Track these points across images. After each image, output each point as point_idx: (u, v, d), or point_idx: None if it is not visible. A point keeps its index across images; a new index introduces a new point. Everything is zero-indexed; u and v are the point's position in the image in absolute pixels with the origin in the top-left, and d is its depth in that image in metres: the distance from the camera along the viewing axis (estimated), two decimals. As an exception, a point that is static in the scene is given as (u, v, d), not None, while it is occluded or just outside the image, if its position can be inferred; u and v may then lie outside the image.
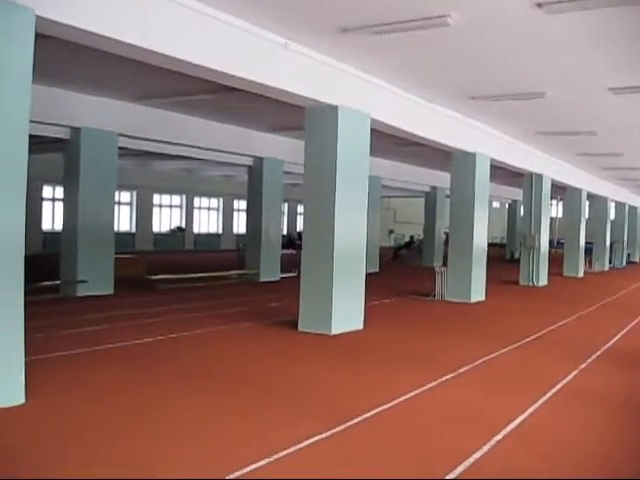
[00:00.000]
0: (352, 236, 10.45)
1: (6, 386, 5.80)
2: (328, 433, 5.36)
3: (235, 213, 38.82)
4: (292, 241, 31.94)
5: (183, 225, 36.34)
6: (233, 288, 16.87)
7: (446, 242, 19.56)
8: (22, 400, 5.86)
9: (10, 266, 5.81)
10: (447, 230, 19.36)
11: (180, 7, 7.23)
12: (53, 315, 10.99)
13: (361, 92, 10.46)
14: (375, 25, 7.92)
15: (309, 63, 9.28)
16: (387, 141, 14.82)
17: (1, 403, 5.68)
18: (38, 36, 6.08)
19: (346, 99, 10.12)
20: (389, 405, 6.27)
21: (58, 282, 13.67)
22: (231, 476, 4.40)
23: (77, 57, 9.63)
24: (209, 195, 37.33)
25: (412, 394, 6.70)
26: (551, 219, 22.69)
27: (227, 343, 9.42)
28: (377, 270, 22.84)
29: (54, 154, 16.92)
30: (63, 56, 9.61)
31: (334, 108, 9.99)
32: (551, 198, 21.76)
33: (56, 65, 10.37)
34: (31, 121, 6.10)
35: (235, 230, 38.17)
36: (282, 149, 18.27)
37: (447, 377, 7.48)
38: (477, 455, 4.93)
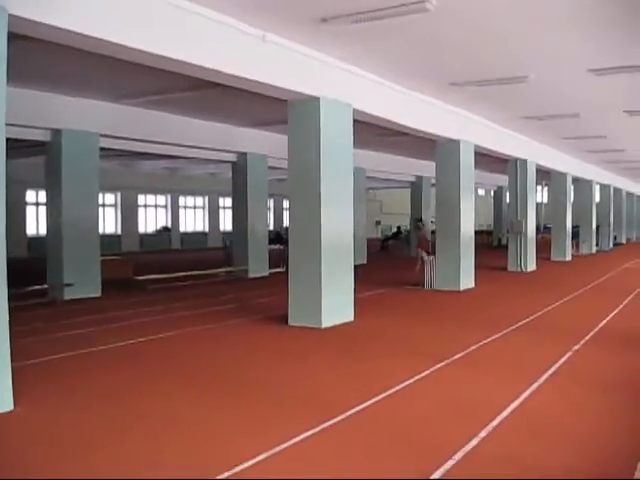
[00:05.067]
0: (339, 228, 10.38)
1: (-7, 393, 5.71)
2: (323, 426, 5.31)
3: (221, 211, 38.69)
4: (280, 236, 31.81)
5: (169, 225, 36.19)
6: (222, 286, 16.77)
7: (433, 231, 19.57)
8: (10, 406, 5.77)
9: (-8, 271, 5.71)
10: (434, 219, 19.43)
11: (158, 2, 7.14)
12: (40, 319, 10.88)
13: (342, 82, 10.39)
14: (354, 13, 7.83)
15: (288, 54, 9.20)
16: (370, 132, 14.77)
17: (-11, 410, 5.59)
18: (14, 37, 5.98)
19: (328, 90, 10.04)
20: (383, 396, 6.22)
21: (45, 286, 13.54)
22: (224, 475, 4.34)
23: (55, 58, 9.50)
24: (194, 194, 37.20)
25: (406, 384, 6.65)
26: (537, 204, 22.72)
27: (217, 341, 9.34)
28: (365, 262, 22.84)
29: (37, 158, 16.75)
30: (41, 57, 9.49)
31: (316, 99, 9.91)
32: (536, 183, 21.78)
33: (34, 67, 10.24)
34: (11, 124, 6.02)
35: (222, 228, 38.03)
36: (266, 144, 18.17)
37: (440, 365, 7.44)
38: (474, 442, 4.90)
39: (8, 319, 5.83)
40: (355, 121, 10.74)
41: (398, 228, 36.27)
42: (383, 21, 7.97)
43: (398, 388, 6.50)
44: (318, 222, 9.96)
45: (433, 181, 23.44)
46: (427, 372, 7.13)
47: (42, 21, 6.12)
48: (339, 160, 10.40)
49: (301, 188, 10.23)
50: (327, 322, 10.02)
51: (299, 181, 10.27)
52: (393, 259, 26.55)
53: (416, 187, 29.19)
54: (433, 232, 20.14)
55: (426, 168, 25.44)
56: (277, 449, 4.79)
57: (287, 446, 4.86)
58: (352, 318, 10.60)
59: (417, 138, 15.12)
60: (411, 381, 6.76)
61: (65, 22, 6.31)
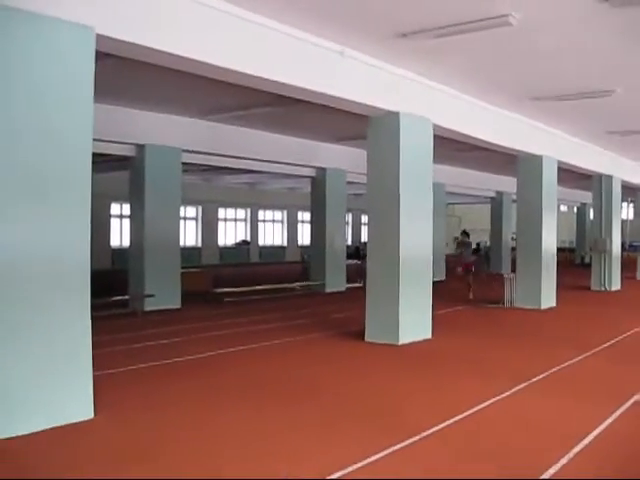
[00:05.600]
0: (418, 244, 10.29)
1: (75, 401, 5.86)
2: (403, 444, 5.24)
3: (299, 225, 38.92)
4: (358, 251, 31.82)
5: (248, 238, 36.61)
6: (299, 300, 16.83)
7: (514, 248, 19.27)
8: (91, 415, 5.91)
9: (77, 282, 5.88)
10: (514, 235, 19.08)
11: (238, 20, 7.24)
12: (121, 329, 11.12)
13: (422, 97, 10.31)
14: (434, 28, 7.77)
15: (368, 70, 9.19)
16: (450, 147, 14.61)
17: (70, 418, 5.72)
18: (101, 55, 6.16)
19: (407, 105, 9.99)
20: (462, 416, 6.09)
21: (127, 297, 13.86)
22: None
23: (139, 74, 9.74)
24: (273, 208, 37.55)
25: (485, 404, 6.50)
26: (622, 221, 22.03)
27: (293, 355, 9.36)
28: (443, 278, 22.55)
29: (121, 172, 17.22)
30: (125, 74, 9.73)
31: (395, 115, 9.87)
32: (622, 200, 21.12)
33: (120, 83, 10.52)
34: (97, 139, 6.19)
35: (300, 242, 38.25)
36: (345, 159, 18.20)
37: (521, 386, 7.24)
38: (552, 470, 4.71)
39: (91, 329, 5.99)
40: (434, 136, 10.64)
41: (477, 244, 35.74)
42: (464, 35, 7.87)
43: (478, 408, 6.35)
44: (397, 237, 9.89)
45: (514, 197, 23.04)
46: (507, 393, 6.94)
47: (128, 40, 6.29)
48: (419, 175, 10.32)
49: (380, 203, 10.18)
50: (404, 339, 9.90)
51: (378, 196, 10.23)
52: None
53: (496, 203, 28.74)
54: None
55: (506, 183, 25.00)
56: (358, 465, 4.75)
57: (367, 462, 4.82)
58: (430, 335, 10.45)
59: (497, 153, 14.88)
60: (490, 402, 6.60)
61: (150, 41, 6.47)
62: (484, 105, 12.03)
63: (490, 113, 12.38)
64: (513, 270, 15.43)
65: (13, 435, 5.31)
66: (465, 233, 18.87)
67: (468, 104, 11.59)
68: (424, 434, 5.51)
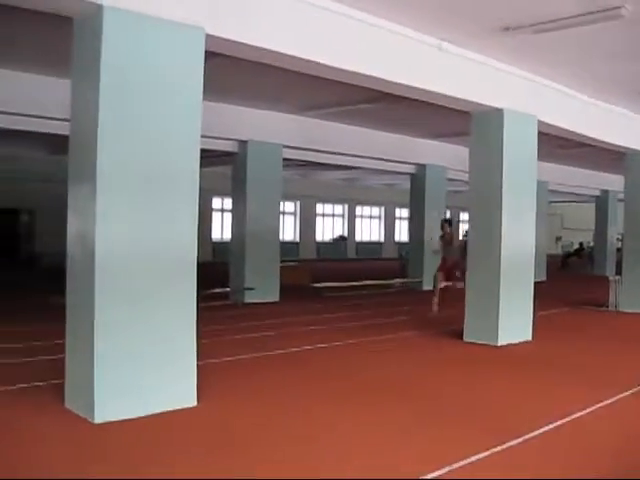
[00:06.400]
0: (520, 244, 10.09)
1: (179, 389, 6.05)
2: (501, 447, 5.14)
3: (397, 221, 38.80)
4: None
5: (345, 234, 36.75)
6: (396, 296, 16.80)
7: (619, 249, 18.54)
8: (194, 403, 6.09)
9: (185, 274, 6.08)
10: (620, 236, 18.38)
11: (337, 16, 7.25)
12: (222, 321, 11.38)
13: (527, 93, 10.08)
14: (539, 23, 7.57)
15: (470, 65, 9.05)
16: (553, 143, 14.25)
17: (175, 405, 5.92)
18: (208, 53, 6.33)
19: (511, 101, 9.80)
20: (563, 421, 5.93)
21: (227, 289, 14.17)
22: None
23: (242, 72, 9.94)
24: (371, 204, 37.57)
25: (588, 410, 6.30)
26: None
27: (391, 352, 9.36)
28: (544, 279, 22.01)
29: (222, 167, 17.60)
30: (229, 71, 9.92)
31: (499, 111, 9.70)
32: None
33: (223, 81, 10.74)
34: (202, 136, 6.34)
35: (397, 238, 38.15)
36: (444, 155, 18.03)
37: (626, 394, 6.99)
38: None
39: (196, 321, 6.18)
40: (538, 133, 10.39)
41: (580, 244, 34.71)
42: (570, 29, 7.63)
43: (580, 414, 6.15)
44: (498, 236, 9.72)
45: (621, 196, 22.25)
46: (611, 400, 6.68)
47: (231, 38, 6.44)
48: (522, 173, 10.11)
49: (482, 201, 10.03)
50: (503, 340, 9.72)
51: (480, 194, 10.08)
52: (574, 277, 25.42)
53: (601, 201, 27.74)
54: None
55: (613, 182, 24.22)
56: (451, 467, 4.68)
57: (460, 465, 4.74)
58: (530, 337, 10.22)
59: (603, 150, 14.38)
60: (594, 408, 6.38)
61: (255, 39, 6.59)
62: (591, 101, 11.63)
63: (597, 108, 11.96)
64: (618, 272, 14.87)
65: (121, 419, 5.54)
66: (447, 221, 14.14)
67: (574, 100, 11.24)
68: (523, 438, 5.39)
